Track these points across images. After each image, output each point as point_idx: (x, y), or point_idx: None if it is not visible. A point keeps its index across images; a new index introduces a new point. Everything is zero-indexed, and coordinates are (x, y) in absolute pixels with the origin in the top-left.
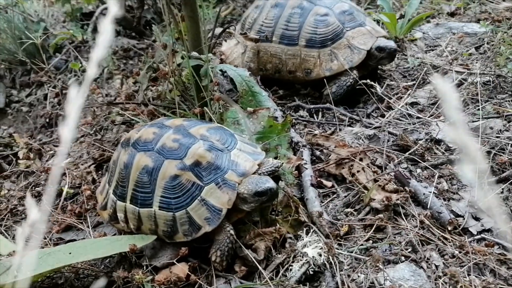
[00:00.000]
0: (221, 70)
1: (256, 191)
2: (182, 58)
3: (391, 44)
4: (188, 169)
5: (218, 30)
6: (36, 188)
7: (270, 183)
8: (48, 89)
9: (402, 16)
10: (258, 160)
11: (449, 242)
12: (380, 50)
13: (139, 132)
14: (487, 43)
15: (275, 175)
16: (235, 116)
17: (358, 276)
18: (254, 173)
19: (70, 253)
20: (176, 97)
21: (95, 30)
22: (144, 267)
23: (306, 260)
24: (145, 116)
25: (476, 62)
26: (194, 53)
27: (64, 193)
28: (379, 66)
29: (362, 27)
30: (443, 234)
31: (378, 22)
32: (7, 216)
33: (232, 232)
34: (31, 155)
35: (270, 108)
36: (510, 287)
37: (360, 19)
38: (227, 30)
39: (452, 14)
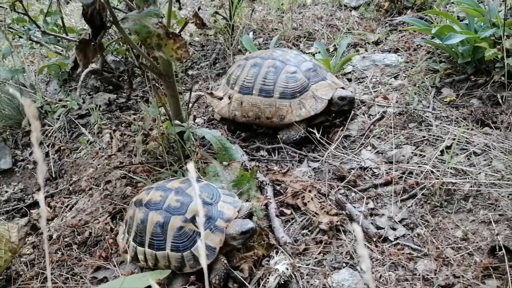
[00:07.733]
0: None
1: (242, 231)
2: (166, 124)
3: (350, 94)
4: (189, 221)
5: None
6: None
7: (251, 224)
8: (47, 147)
9: (335, 48)
10: (237, 207)
11: (375, 248)
12: (342, 99)
13: (148, 195)
14: (403, 72)
15: (250, 212)
16: (215, 170)
17: (314, 281)
18: (235, 217)
19: None
20: (164, 154)
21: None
22: None
23: (278, 274)
24: (141, 173)
25: (395, 92)
26: (177, 121)
27: None
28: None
29: (324, 81)
30: (369, 244)
31: (314, 55)
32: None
33: (225, 261)
34: (49, 209)
35: (240, 160)
36: (415, 276)
37: (322, 74)
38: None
39: (376, 43)
